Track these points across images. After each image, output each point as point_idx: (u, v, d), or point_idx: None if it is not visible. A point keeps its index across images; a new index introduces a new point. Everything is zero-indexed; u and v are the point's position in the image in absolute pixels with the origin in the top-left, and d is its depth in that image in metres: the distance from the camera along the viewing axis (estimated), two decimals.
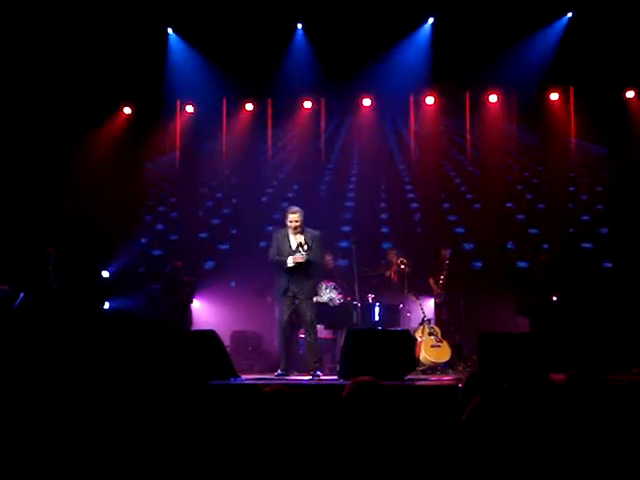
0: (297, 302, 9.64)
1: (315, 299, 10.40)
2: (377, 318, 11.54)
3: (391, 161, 14.44)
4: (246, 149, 14.40)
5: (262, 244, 13.18)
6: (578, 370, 4.17)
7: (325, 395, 5.99)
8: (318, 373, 9.56)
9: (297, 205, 10.21)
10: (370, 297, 11.86)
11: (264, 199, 14.59)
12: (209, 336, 9.10)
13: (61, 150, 13.33)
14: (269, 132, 14.40)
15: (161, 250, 14.33)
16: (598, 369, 9.21)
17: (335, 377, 9.44)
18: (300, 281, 9.61)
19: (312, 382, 9.08)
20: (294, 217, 9.64)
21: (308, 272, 9.68)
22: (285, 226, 9.79)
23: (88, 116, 13.59)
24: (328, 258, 12.02)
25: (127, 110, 14.15)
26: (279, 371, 9.65)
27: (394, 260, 12.30)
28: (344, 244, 13.12)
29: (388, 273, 12.38)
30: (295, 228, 9.60)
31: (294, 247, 9.64)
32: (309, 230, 9.75)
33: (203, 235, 14.41)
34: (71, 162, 13.44)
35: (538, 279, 11.87)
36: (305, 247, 9.55)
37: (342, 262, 12.78)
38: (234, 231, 14.39)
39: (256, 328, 12.48)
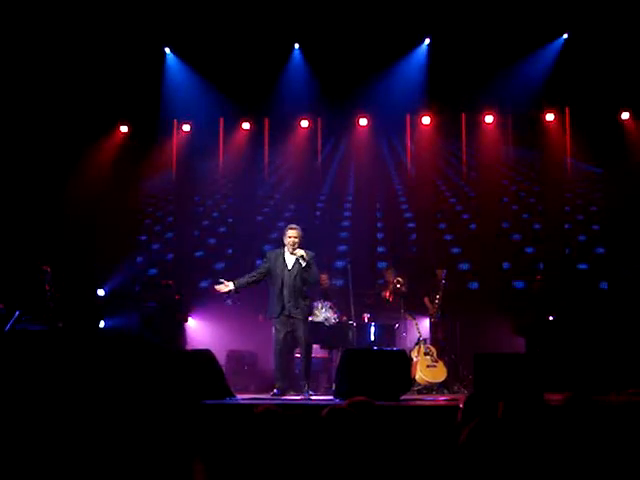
0: (293, 321, 9.59)
1: (310, 318, 10.40)
2: (373, 338, 11.50)
3: (387, 181, 14.48)
4: (243, 168, 14.44)
5: (258, 262, 13.13)
6: (574, 391, 4.19)
7: (319, 415, 5.93)
8: (310, 393, 9.55)
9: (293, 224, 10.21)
10: (366, 317, 11.87)
11: (260, 218, 14.57)
12: (204, 355, 9.01)
13: (58, 168, 13.35)
14: (266, 151, 14.44)
15: (157, 269, 14.31)
16: (593, 390, 9.20)
17: (330, 397, 9.31)
18: (296, 300, 9.58)
19: (306, 402, 8.99)
20: (293, 233, 9.63)
21: (303, 291, 9.65)
22: (282, 246, 9.77)
23: (85, 135, 13.64)
24: (324, 277, 12.04)
25: (124, 129, 14.17)
26: (275, 390, 9.60)
27: (391, 279, 12.30)
28: (340, 264, 13.11)
29: (384, 293, 12.38)
30: (293, 244, 9.56)
31: (290, 266, 9.62)
32: (306, 250, 9.69)
33: (199, 254, 14.41)
34: (68, 180, 13.44)
35: (534, 299, 11.89)
36: (304, 259, 9.52)
37: (338, 282, 12.78)
38: (230, 250, 14.38)
39: (252, 347, 12.41)
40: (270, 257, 9.77)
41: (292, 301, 9.56)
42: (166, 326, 12.38)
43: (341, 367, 9.22)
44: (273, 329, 9.98)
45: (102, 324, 12.81)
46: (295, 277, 9.60)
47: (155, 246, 14.64)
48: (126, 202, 14.02)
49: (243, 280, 9.68)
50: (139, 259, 14.30)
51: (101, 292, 13.31)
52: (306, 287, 9.68)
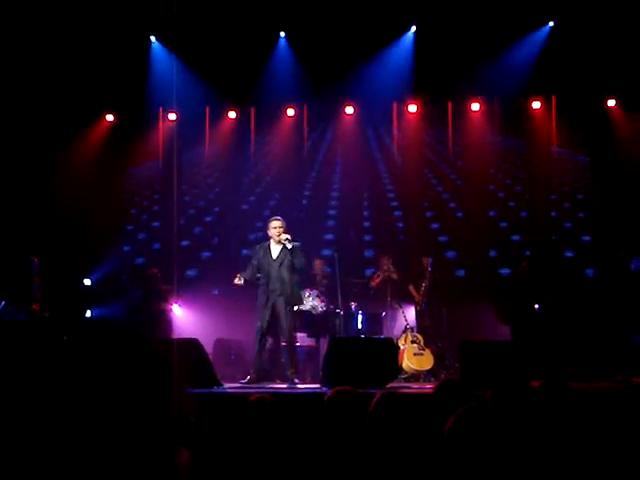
0: (277, 311, 9.65)
1: (298, 307, 10.44)
2: (360, 326, 11.54)
3: (374, 169, 14.51)
4: (229, 157, 14.45)
5: (244, 252, 13.36)
6: (551, 379, 4.25)
7: (307, 403, 6.02)
8: (295, 381, 9.58)
9: (279, 213, 10.31)
10: (353, 305, 11.88)
11: (246, 207, 14.57)
12: (191, 344, 9.02)
13: (43, 157, 13.34)
14: (252, 140, 14.41)
15: (143, 258, 14.32)
16: (580, 377, 9.45)
17: (317, 385, 9.44)
18: (281, 289, 9.63)
19: (293, 390, 9.09)
20: (277, 224, 9.69)
21: (291, 281, 9.68)
22: (268, 239, 9.82)
23: (70, 124, 13.61)
24: (318, 263, 12.18)
25: (110, 118, 14.17)
26: (247, 378, 9.68)
27: (384, 267, 12.35)
28: (327, 252, 13.12)
29: (372, 282, 12.46)
30: (279, 235, 9.60)
31: (275, 256, 9.67)
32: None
33: (185, 243, 14.42)
34: (53, 170, 13.45)
35: (519, 285, 11.92)
36: (289, 240, 9.59)
37: (325, 270, 12.65)
38: (216, 239, 14.41)
39: (239, 336, 12.31)
40: (258, 251, 9.86)
41: (277, 290, 9.60)
42: (151, 315, 12.31)
43: (328, 355, 9.26)
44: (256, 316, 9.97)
45: (88, 313, 12.84)
46: (280, 266, 9.63)
47: (141, 235, 14.67)
48: (112, 191, 14.03)
49: (245, 274, 9.79)
50: (126, 248, 14.34)
51: (87, 282, 13.31)
52: (295, 276, 9.71)
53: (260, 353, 9.75)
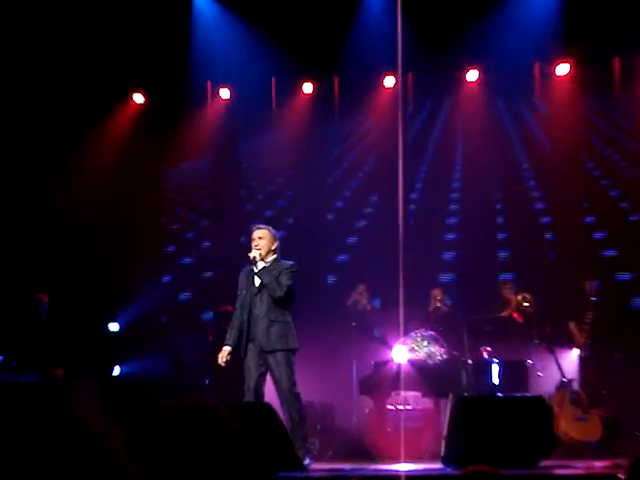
0: (266, 358, 9.50)
1: (410, 355, 10.72)
2: (496, 380, 11.56)
3: (509, 156, 14.55)
4: (304, 146, 14.54)
5: (331, 279, 13.74)
6: None
7: None
8: (307, 460, 9.38)
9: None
10: (485, 351, 11.89)
11: (330, 217, 14.78)
12: (263, 410, 8.88)
13: (50, 161, 13.65)
14: (335, 121, 14.66)
15: (191, 291, 14.48)
16: None
17: (439, 466, 9.37)
18: (267, 328, 9.49)
19: (410, 473, 9.03)
20: (256, 234, 9.66)
21: (277, 314, 9.57)
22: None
23: (84, 110, 13.83)
24: (436, 292, 12.25)
25: (138, 99, 14.41)
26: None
27: (511, 297, 12.41)
28: (446, 277, 13.39)
29: (506, 314, 12.43)
30: (255, 249, 9.57)
31: (257, 283, 9.61)
32: (282, 262, 9.70)
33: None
34: (64, 174, 13.66)
35: None
36: (255, 260, 9.53)
37: (445, 303, 12.84)
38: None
39: (325, 396, 12.38)
40: (241, 280, 9.80)
41: (262, 330, 9.49)
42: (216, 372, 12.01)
43: (453, 422, 9.24)
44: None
45: (117, 371, 13.05)
46: (262, 297, 9.58)
47: (186, 260, 14.84)
48: (145, 201, 14.20)
49: (232, 334, 9.68)
50: (166, 278, 14.50)
51: (114, 327, 13.58)
52: (280, 307, 9.56)
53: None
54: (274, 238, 9.68)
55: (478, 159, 14.33)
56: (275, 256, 9.61)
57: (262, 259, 9.53)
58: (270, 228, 9.77)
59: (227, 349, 9.57)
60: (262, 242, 9.61)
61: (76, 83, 13.61)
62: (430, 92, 14.63)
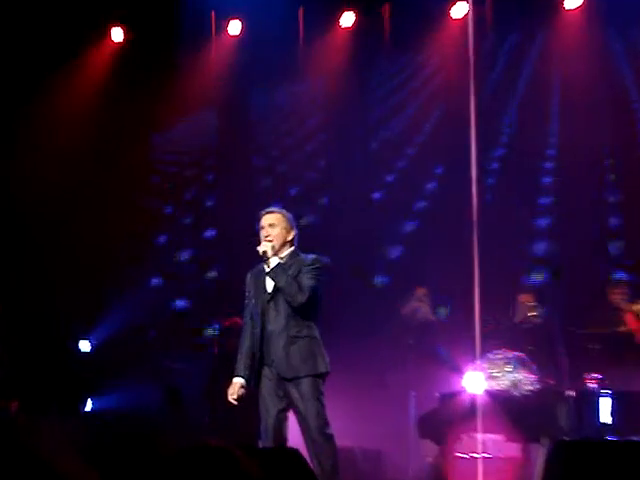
0: (286, 389, 8.67)
1: (489, 384, 10.37)
2: (608, 419, 10.62)
3: (622, 103, 14.17)
4: (341, 99, 14.45)
5: (379, 280, 14.06)
6: None
7: None
8: None
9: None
10: (592, 379, 10.86)
11: (377, 196, 14.83)
12: (291, 458, 7.42)
13: (4, 107, 13.47)
14: (385, 66, 14.64)
15: (189, 299, 14.52)
16: None
17: None
18: (281, 346, 8.66)
19: None
20: (265, 221, 8.80)
21: (289, 327, 8.69)
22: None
23: (48, 51, 13.46)
24: (525, 298, 11.77)
25: (117, 35, 14.13)
26: None
27: (624, 306, 11.72)
28: (538, 276, 13.11)
29: (624, 328, 11.64)
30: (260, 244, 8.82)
31: (270, 288, 8.76)
32: (301, 256, 8.85)
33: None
34: (22, 125, 13.42)
35: None
36: (266, 255, 8.63)
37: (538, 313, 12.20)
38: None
39: (369, 441, 11.76)
40: (249, 284, 9.01)
41: (279, 350, 8.67)
42: (218, 404, 11.70)
43: (551, 471, 7.91)
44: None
45: (89, 405, 12.98)
46: (277, 306, 8.77)
47: (185, 255, 14.82)
48: (129, 175, 13.81)
49: (243, 361, 8.93)
50: (154, 281, 14.42)
51: (85, 345, 13.40)
52: (302, 318, 8.76)
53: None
54: (290, 225, 8.75)
55: (579, 108, 13.85)
56: (292, 249, 8.69)
57: (275, 254, 8.59)
58: (285, 212, 8.83)
59: (239, 382, 8.78)
60: (274, 231, 8.71)
61: (38, 13, 13.41)
62: (515, 22, 14.30)
